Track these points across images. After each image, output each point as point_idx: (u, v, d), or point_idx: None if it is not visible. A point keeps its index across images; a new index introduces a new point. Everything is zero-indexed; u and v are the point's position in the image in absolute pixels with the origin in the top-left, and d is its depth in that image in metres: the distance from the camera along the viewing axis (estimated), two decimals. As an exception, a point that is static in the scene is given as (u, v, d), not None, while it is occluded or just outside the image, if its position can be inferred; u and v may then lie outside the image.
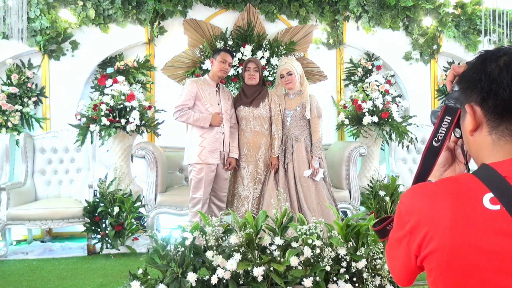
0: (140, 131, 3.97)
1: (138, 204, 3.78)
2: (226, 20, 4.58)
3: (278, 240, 2.11)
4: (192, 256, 2.10)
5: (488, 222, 0.67)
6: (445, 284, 0.71)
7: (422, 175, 0.90)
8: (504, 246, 0.66)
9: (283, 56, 4.47)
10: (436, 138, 0.87)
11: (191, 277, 1.99)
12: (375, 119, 4.03)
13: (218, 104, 3.33)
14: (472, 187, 0.71)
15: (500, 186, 0.69)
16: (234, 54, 4.37)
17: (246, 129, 3.38)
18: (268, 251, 2.14)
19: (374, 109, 4.08)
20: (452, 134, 0.87)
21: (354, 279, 2.11)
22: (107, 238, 3.59)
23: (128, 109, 3.84)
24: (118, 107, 3.82)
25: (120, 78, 4.05)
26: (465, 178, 0.75)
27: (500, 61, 0.73)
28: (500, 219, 0.67)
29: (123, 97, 3.87)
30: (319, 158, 3.37)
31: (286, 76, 3.41)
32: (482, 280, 0.67)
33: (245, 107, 3.37)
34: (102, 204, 3.61)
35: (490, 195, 0.69)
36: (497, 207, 0.68)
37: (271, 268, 2.03)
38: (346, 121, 4.22)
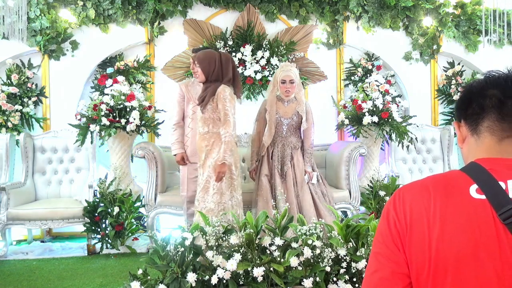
0: (140, 131, 3.97)
1: (138, 204, 3.79)
2: (226, 20, 4.57)
3: (278, 241, 2.11)
4: (192, 256, 2.10)
5: (475, 210, 0.75)
6: (435, 269, 0.75)
7: None
8: (487, 231, 0.73)
9: (283, 56, 4.47)
10: None
11: (191, 277, 1.99)
12: (375, 119, 4.03)
13: None
14: (460, 180, 0.80)
15: (483, 178, 0.77)
16: (234, 54, 4.38)
17: (195, 130, 3.20)
18: (268, 252, 2.14)
19: (374, 109, 4.08)
20: None
21: (354, 279, 2.11)
22: (107, 238, 3.59)
23: (128, 109, 3.84)
24: (118, 107, 3.82)
25: (120, 78, 4.05)
26: (453, 173, 0.84)
27: (475, 80, 0.90)
28: (485, 207, 0.74)
29: (123, 97, 3.87)
30: (311, 163, 3.48)
31: (288, 83, 3.34)
32: (467, 263, 0.72)
33: (195, 105, 3.22)
34: (102, 204, 3.61)
35: (475, 186, 0.77)
36: (483, 196, 0.76)
37: (271, 269, 2.03)
38: (346, 121, 4.22)
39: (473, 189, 0.77)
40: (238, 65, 4.37)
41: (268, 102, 3.44)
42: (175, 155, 3.38)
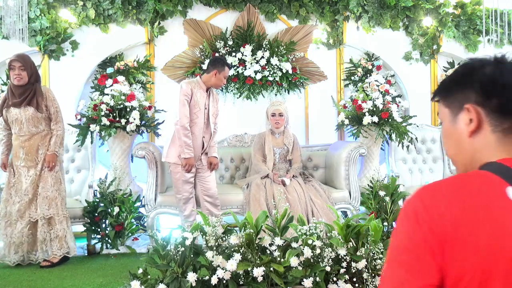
0: (140, 131, 3.97)
1: (138, 204, 3.79)
2: (226, 20, 4.57)
3: (278, 241, 2.11)
4: (192, 256, 2.10)
5: None
6: (482, 277, 0.68)
7: None
8: None
9: (283, 56, 4.46)
10: None
11: (191, 277, 2.00)
12: (375, 119, 4.03)
13: (206, 108, 3.41)
14: (492, 181, 0.72)
15: None
16: (234, 54, 4.39)
17: (21, 132, 3.24)
18: (268, 252, 2.14)
19: (374, 109, 4.08)
20: None
21: (354, 279, 2.11)
22: (107, 238, 3.59)
23: (128, 109, 3.84)
24: (118, 107, 3.82)
25: (120, 78, 4.05)
26: (481, 173, 0.75)
27: (499, 65, 0.77)
28: None
29: (123, 97, 3.87)
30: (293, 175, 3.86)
31: (277, 116, 3.91)
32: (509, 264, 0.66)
33: (16, 108, 3.22)
34: (102, 204, 3.61)
35: (511, 188, 0.70)
36: None
37: (271, 269, 2.03)
38: (346, 121, 4.22)
39: (510, 190, 0.70)
40: (238, 65, 4.37)
41: (265, 134, 4.00)
42: (186, 158, 3.30)
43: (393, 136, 4.13)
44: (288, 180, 3.72)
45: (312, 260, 2.07)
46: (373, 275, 2.14)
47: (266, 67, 4.41)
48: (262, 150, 3.98)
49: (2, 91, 4.04)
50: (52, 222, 3.25)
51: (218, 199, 3.53)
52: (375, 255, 2.16)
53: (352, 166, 3.90)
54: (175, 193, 3.47)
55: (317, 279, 2.02)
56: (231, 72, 4.34)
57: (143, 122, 3.96)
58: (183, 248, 2.08)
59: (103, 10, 4.23)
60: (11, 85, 3.23)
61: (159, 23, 4.44)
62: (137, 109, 3.88)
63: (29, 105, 3.20)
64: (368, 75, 4.58)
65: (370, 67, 4.63)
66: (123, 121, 3.78)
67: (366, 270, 2.13)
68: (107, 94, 3.88)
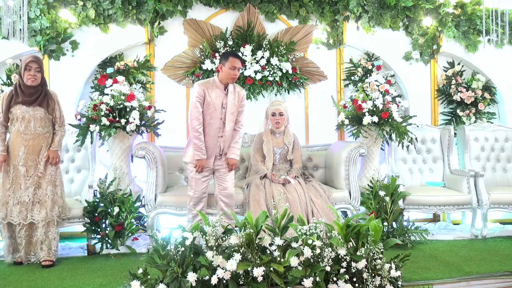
0: (140, 131, 3.97)
1: (138, 204, 3.79)
2: (226, 20, 4.58)
3: (278, 241, 2.11)
4: (192, 256, 2.11)
5: None
6: None
7: None
8: None
9: (283, 56, 4.46)
10: None
11: (191, 277, 2.00)
12: (375, 119, 4.03)
13: (223, 107, 3.34)
14: None
15: None
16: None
17: (26, 130, 3.22)
18: (268, 251, 2.14)
19: (374, 109, 4.08)
20: None
21: (354, 279, 2.11)
22: (107, 238, 3.59)
23: (128, 109, 3.84)
24: (118, 107, 3.82)
25: (120, 78, 4.05)
26: None
27: None
28: None
29: (123, 97, 3.87)
30: (296, 176, 3.85)
31: (277, 115, 3.95)
32: None
33: (24, 106, 3.21)
34: (102, 204, 3.61)
35: None
36: None
37: (271, 269, 2.03)
38: (346, 121, 4.22)
39: None
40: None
41: (264, 134, 4.02)
42: (197, 160, 3.30)
43: (393, 136, 4.13)
44: (292, 180, 3.72)
45: (312, 260, 2.07)
46: (373, 275, 2.14)
47: (266, 67, 4.42)
48: (262, 151, 3.98)
49: (2, 91, 4.04)
50: (51, 224, 3.29)
51: (234, 200, 3.51)
52: (375, 255, 2.16)
53: (352, 166, 3.90)
54: (188, 191, 3.43)
55: (317, 279, 2.02)
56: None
57: (143, 122, 3.96)
58: (183, 248, 2.08)
59: (103, 10, 4.23)
60: (22, 84, 3.21)
61: (159, 23, 4.44)
62: (137, 109, 3.87)
63: (40, 106, 3.24)
64: (368, 75, 4.58)
65: (370, 67, 4.63)
66: (123, 121, 3.78)
67: (366, 270, 2.13)
68: (107, 94, 3.88)
